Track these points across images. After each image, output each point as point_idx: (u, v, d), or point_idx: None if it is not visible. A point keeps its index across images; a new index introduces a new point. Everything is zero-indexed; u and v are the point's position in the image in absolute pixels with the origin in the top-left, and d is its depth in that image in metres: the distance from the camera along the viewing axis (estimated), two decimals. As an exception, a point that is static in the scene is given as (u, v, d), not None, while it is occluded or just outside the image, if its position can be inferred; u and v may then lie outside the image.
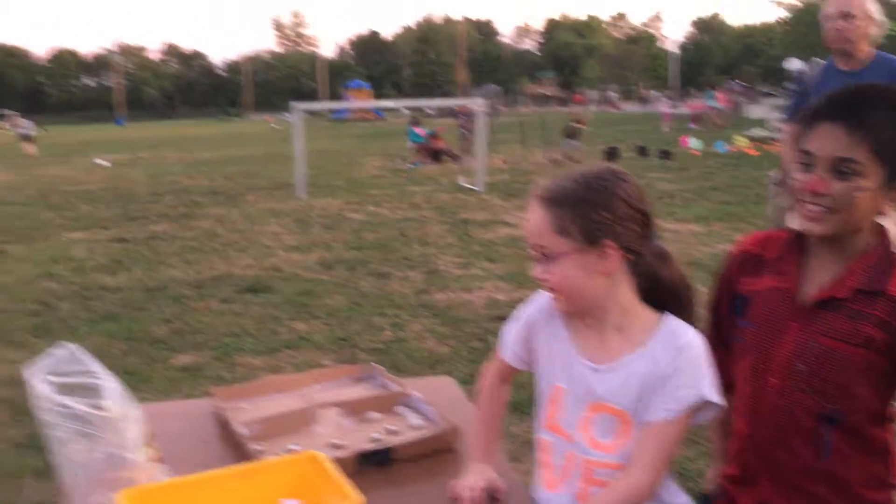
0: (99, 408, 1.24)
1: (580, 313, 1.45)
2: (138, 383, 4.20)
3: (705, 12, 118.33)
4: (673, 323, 1.42)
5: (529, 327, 1.54)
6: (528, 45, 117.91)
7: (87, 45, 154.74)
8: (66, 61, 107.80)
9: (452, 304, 5.91)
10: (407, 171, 17.02)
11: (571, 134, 18.73)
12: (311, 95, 79.19)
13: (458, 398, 2.10)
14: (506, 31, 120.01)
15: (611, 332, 1.43)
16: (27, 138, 28.70)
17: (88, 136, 44.99)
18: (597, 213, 1.34)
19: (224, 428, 1.81)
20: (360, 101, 49.69)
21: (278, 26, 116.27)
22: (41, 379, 1.25)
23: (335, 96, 72.27)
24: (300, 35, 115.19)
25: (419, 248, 8.19)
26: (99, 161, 22.44)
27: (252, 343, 5.11)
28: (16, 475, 3.42)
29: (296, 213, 11.02)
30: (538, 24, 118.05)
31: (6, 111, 72.77)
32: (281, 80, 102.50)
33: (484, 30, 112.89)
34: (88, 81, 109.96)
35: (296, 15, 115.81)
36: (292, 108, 13.99)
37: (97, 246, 8.93)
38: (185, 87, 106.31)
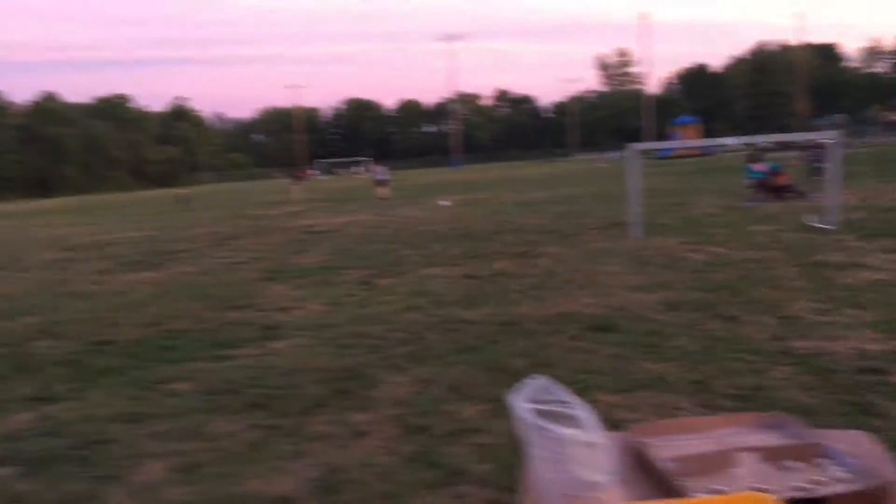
0: (573, 433, 1.40)
1: None
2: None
3: None
4: None
5: None
6: (880, 67, 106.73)
7: (429, 95, 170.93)
8: (411, 111, 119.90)
9: (816, 353, 5.52)
10: (745, 209, 16.26)
11: None
12: (635, 133, 78.92)
13: (877, 454, 1.99)
14: (852, 53, 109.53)
15: None
16: (381, 182, 32.20)
17: (429, 179, 49.33)
18: None
19: (642, 461, 1.91)
20: (691, 138, 48.80)
21: (603, 66, 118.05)
22: (521, 405, 1.45)
23: (660, 133, 71.32)
24: (625, 73, 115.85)
25: (769, 291, 7.78)
26: (442, 202, 24.50)
27: (607, 381, 5.21)
28: (411, 486, 3.84)
29: (632, 252, 11.05)
30: (892, 43, 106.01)
31: (362, 158, 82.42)
32: (604, 119, 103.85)
33: (827, 54, 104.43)
34: (428, 128, 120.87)
35: (622, 53, 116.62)
36: (627, 149, 14.15)
37: (450, 281, 9.73)
38: (513, 130, 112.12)
